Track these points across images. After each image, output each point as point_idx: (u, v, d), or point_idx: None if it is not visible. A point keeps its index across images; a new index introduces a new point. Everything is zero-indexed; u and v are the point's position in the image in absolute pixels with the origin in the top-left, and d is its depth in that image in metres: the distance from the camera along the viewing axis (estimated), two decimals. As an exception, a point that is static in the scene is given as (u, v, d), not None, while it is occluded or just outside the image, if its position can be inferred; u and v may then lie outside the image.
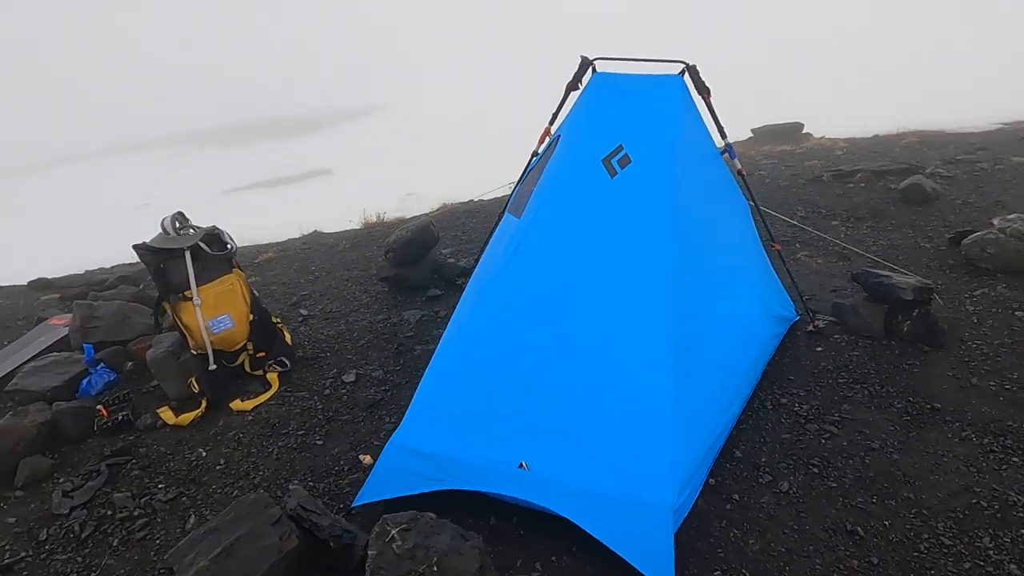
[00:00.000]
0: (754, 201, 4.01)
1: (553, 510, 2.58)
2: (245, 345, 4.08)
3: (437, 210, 9.31)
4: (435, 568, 2.23)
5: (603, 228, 3.10)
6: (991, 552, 2.48)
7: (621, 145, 3.20)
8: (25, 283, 7.26)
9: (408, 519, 2.39)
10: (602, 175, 3.18)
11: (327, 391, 3.92)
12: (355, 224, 8.99)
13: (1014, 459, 2.93)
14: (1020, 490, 2.74)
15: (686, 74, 3.44)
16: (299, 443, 3.44)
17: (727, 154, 3.82)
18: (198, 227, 4.01)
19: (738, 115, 3.79)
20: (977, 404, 3.31)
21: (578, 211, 3.16)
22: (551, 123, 3.93)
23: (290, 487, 3.04)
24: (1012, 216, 4.78)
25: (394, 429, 3.36)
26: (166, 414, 3.75)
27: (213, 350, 3.91)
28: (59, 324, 5.09)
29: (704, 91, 3.53)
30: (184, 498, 3.12)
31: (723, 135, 3.82)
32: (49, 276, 7.41)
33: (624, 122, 3.29)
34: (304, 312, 5.16)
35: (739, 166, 3.91)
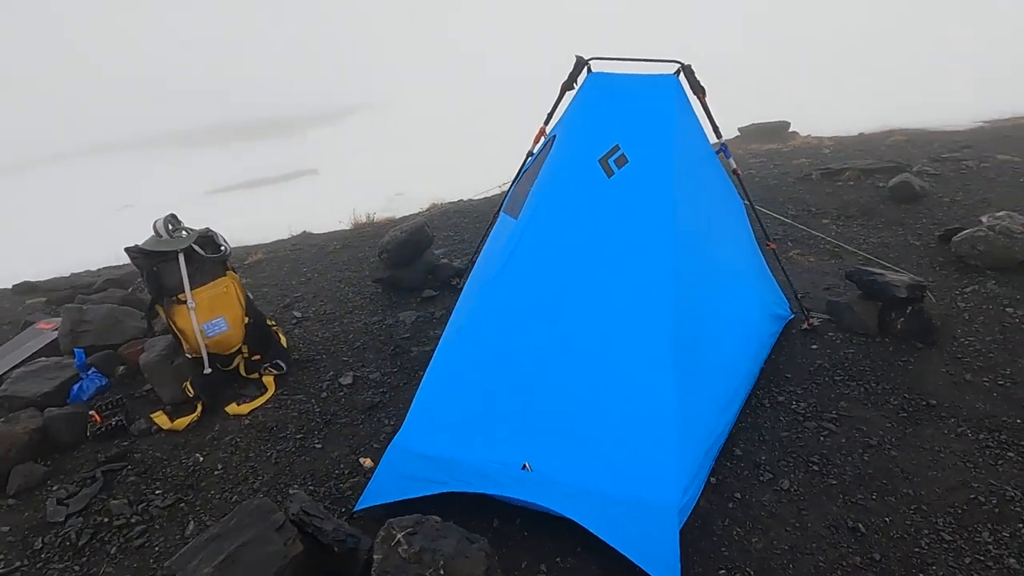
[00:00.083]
0: (749, 200, 4.03)
1: (558, 511, 2.58)
2: (240, 348, 4.03)
3: (427, 210, 9.28)
4: (442, 572, 2.22)
5: (601, 228, 3.10)
6: (990, 547, 2.51)
7: (618, 145, 3.21)
8: (9, 287, 7.14)
9: (413, 522, 2.37)
10: (599, 175, 3.18)
11: (324, 394, 3.89)
12: (345, 225, 8.93)
13: (1009, 454, 2.96)
14: (1016, 485, 2.78)
15: (681, 74, 3.45)
16: (298, 447, 3.41)
17: (722, 153, 3.83)
18: (191, 229, 3.97)
19: (726, 114, 3.79)
20: (971, 400, 3.35)
21: (576, 211, 3.16)
22: (546, 123, 3.94)
23: (291, 492, 3.04)
24: (1000, 213, 4.84)
25: (393, 431, 3.37)
26: (161, 419, 3.71)
27: (208, 354, 3.87)
28: (47, 328, 5.02)
29: (699, 91, 3.55)
30: (182, 504, 3.09)
31: (718, 134, 3.84)
32: (33, 279, 7.31)
33: (620, 122, 3.30)
34: (298, 314, 5.12)
35: (734, 165, 3.93)
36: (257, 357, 4.10)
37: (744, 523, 2.70)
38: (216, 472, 3.28)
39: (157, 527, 2.96)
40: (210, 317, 3.84)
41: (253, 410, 3.77)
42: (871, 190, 6.69)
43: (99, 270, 8.31)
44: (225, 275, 3.95)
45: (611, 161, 3.19)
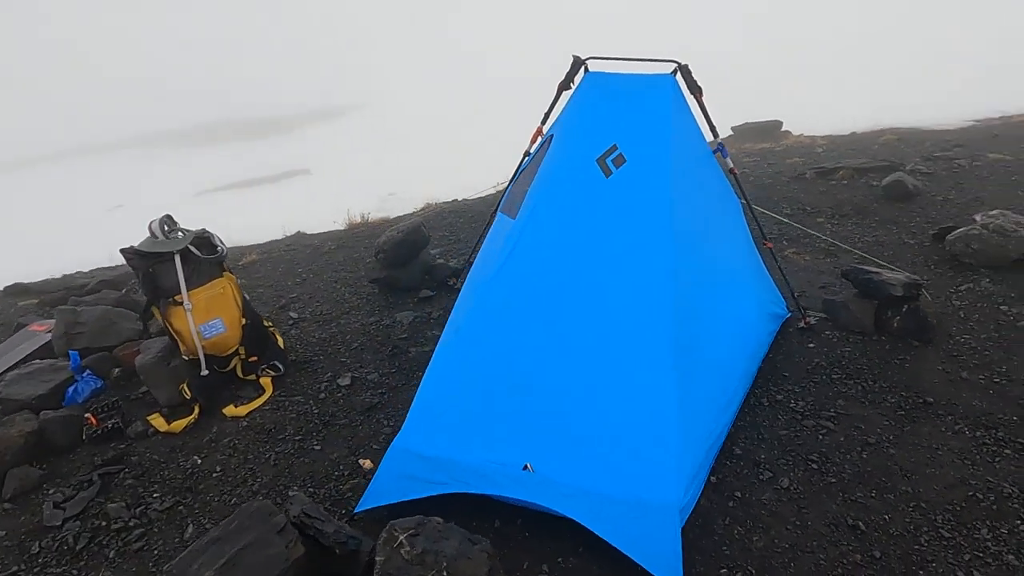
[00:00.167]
0: (746, 199, 4.05)
1: (559, 512, 2.58)
2: (237, 350, 4.01)
3: (421, 210, 9.28)
4: (445, 573, 2.21)
5: (600, 228, 3.11)
6: (989, 543, 2.52)
7: (615, 145, 3.21)
8: (0, 288, 7.08)
9: (416, 524, 2.37)
10: (597, 175, 3.19)
11: (322, 395, 3.87)
12: (339, 225, 8.91)
13: (1006, 451, 2.98)
14: (1014, 482, 2.80)
15: (678, 73, 3.46)
16: (296, 449, 3.40)
17: (719, 153, 3.84)
18: (187, 230, 3.94)
19: (720, 114, 3.80)
20: (968, 398, 3.37)
21: (574, 211, 3.17)
22: (543, 123, 3.94)
23: (290, 493, 3.01)
24: (994, 212, 4.88)
25: (392, 432, 3.36)
26: (157, 421, 3.68)
27: (205, 355, 3.85)
28: (40, 330, 4.98)
29: (696, 90, 3.55)
30: (181, 507, 3.07)
31: (715, 134, 3.85)
32: (25, 281, 7.25)
33: (618, 122, 3.30)
34: (294, 315, 5.10)
35: (731, 165, 3.94)
36: (254, 358, 4.08)
37: (745, 522, 2.71)
38: (214, 474, 3.27)
39: (156, 530, 2.94)
40: (207, 318, 3.82)
41: (251, 412, 3.75)
42: (865, 189, 6.72)
43: (91, 271, 8.24)
44: (222, 276, 3.93)
45: (609, 161, 3.19)
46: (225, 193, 29.47)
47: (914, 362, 3.71)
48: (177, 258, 3.75)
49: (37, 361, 4.38)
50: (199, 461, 3.38)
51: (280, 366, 4.08)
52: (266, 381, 3.97)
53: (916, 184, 6.39)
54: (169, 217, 3.92)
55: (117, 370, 4.32)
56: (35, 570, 2.77)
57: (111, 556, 2.80)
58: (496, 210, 3.86)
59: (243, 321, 3.98)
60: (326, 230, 8.88)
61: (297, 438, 3.48)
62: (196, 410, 3.72)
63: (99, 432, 3.61)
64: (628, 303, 2.95)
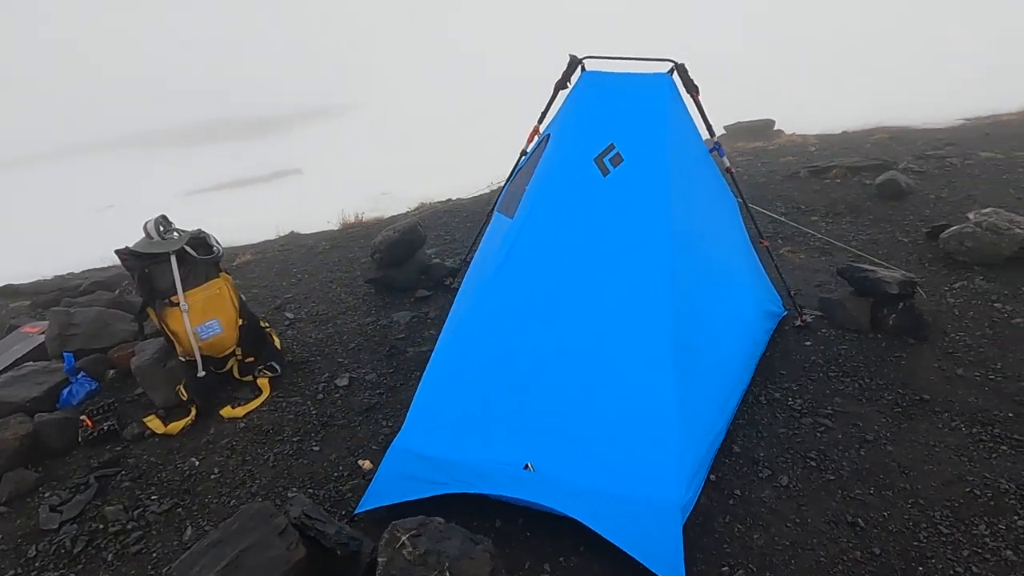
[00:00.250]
0: (742, 198, 4.06)
1: (561, 511, 2.58)
2: (234, 351, 3.99)
3: (416, 209, 9.26)
4: (448, 573, 2.21)
5: (598, 227, 3.11)
6: (987, 539, 2.54)
7: (613, 144, 3.22)
8: (-9, 290, 7.02)
9: (418, 524, 2.36)
10: (595, 174, 3.19)
11: (320, 396, 3.86)
12: (333, 225, 8.90)
13: (1003, 447, 3.01)
14: (1011, 478, 2.82)
15: (675, 72, 3.47)
16: (295, 450, 3.38)
17: (716, 152, 3.85)
18: (183, 230, 3.92)
19: (720, 113, 3.81)
20: (964, 394, 3.40)
21: (572, 210, 3.17)
22: (540, 122, 3.94)
23: (290, 495, 3.01)
24: (987, 210, 4.91)
25: (391, 433, 3.36)
26: (154, 423, 3.66)
27: (201, 356, 3.82)
28: (33, 332, 4.94)
29: (692, 89, 3.56)
30: (179, 509, 3.05)
31: (711, 133, 3.86)
32: (16, 282, 7.19)
33: (615, 121, 3.31)
34: (290, 316, 5.08)
35: (727, 163, 3.96)
36: (251, 359, 4.06)
37: (745, 519, 2.72)
38: (212, 476, 3.25)
39: (154, 533, 2.92)
40: (203, 319, 3.80)
41: (248, 413, 3.73)
42: (858, 187, 6.75)
43: (83, 272, 8.18)
44: (218, 276, 3.91)
45: (606, 160, 3.20)
46: (216, 193, 29.31)
47: (910, 359, 3.73)
48: (173, 259, 3.72)
49: (30, 363, 4.35)
50: (197, 463, 3.36)
51: (277, 367, 4.06)
52: (263, 382, 3.95)
53: (909, 182, 6.42)
54: (164, 218, 3.89)
55: (112, 372, 4.29)
56: (32, 574, 2.75)
57: (109, 559, 2.79)
58: (493, 209, 3.86)
59: (240, 322, 3.95)
60: (320, 230, 8.85)
61: (295, 439, 3.47)
62: (193, 412, 3.70)
63: (95, 434, 3.58)
64: (626, 302, 2.95)
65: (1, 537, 2.96)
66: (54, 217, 26.45)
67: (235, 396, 3.92)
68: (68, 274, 8.17)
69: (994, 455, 2.97)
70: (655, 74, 3.45)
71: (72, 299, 5.74)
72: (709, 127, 3.82)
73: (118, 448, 3.54)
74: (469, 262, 5.04)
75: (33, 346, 4.66)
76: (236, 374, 4.05)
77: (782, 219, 5.67)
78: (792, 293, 4.30)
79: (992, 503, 2.71)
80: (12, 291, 6.89)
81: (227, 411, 3.73)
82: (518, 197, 3.36)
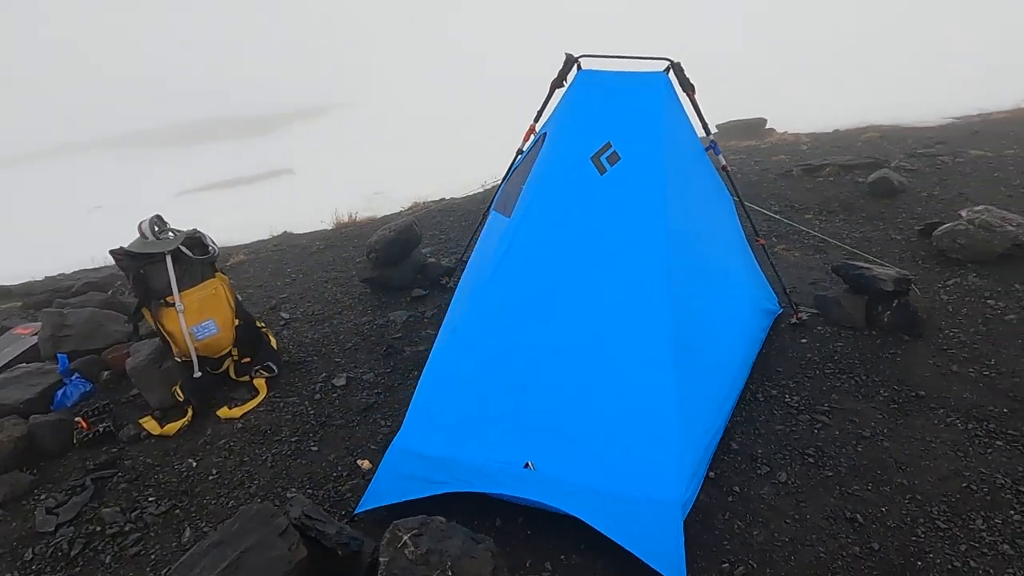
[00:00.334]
0: (738, 196, 4.07)
1: (562, 509, 2.58)
2: (230, 351, 3.97)
3: (409, 209, 9.26)
4: (450, 572, 2.20)
5: (596, 226, 3.11)
6: (984, 534, 2.56)
7: (610, 142, 3.22)
8: (-19, 292, 6.97)
9: (419, 523, 2.35)
10: (592, 173, 3.19)
11: (318, 396, 3.84)
12: (327, 224, 8.88)
13: (998, 443, 3.03)
14: (1006, 473, 2.84)
15: (671, 71, 3.47)
16: (293, 450, 3.37)
17: (712, 150, 3.87)
18: (178, 230, 3.89)
19: (719, 112, 3.82)
20: (959, 391, 3.42)
21: (569, 209, 3.17)
22: (536, 120, 3.93)
23: (288, 495, 3.00)
24: (979, 208, 4.95)
25: (390, 432, 3.36)
26: (150, 424, 3.64)
27: (197, 357, 3.80)
28: (25, 333, 4.90)
29: (688, 88, 3.57)
30: (177, 510, 3.03)
31: (707, 131, 3.87)
32: (6, 283, 7.14)
33: (611, 119, 3.31)
34: (285, 315, 5.06)
35: (723, 162, 3.97)
36: (247, 360, 4.04)
37: (744, 516, 2.73)
38: (210, 477, 3.23)
39: (152, 535, 2.90)
40: (199, 320, 3.78)
41: (245, 413, 3.72)
42: (851, 185, 6.79)
43: (74, 273, 8.14)
44: (214, 276, 3.89)
45: (603, 158, 3.20)
46: (207, 193, 29.21)
47: (905, 356, 3.76)
48: (168, 259, 3.70)
49: (23, 365, 4.32)
50: (194, 464, 3.34)
51: (274, 367, 4.05)
52: (260, 382, 3.94)
53: (901, 181, 6.47)
54: (159, 217, 3.87)
55: (106, 373, 4.27)
56: (29, 577, 2.73)
57: (107, 561, 2.77)
58: (489, 208, 3.86)
59: (236, 322, 3.94)
60: (313, 230, 8.83)
61: (293, 439, 3.46)
62: (189, 413, 3.68)
63: (90, 436, 3.56)
64: (625, 300, 2.96)
65: (-3, 540, 2.94)
66: (42, 218, 26.26)
67: (232, 397, 3.90)
68: (59, 275, 8.13)
69: (989, 450, 2.99)
70: (651, 73, 3.45)
71: (64, 300, 5.71)
72: (705, 125, 3.83)
73: (114, 450, 3.51)
74: (465, 261, 5.04)
75: (25, 347, 4.63)
76: (232, 374, 4.03)
77: (777, 216, 5.69)
78: (788, 291, 4.32)
79: (988, 498, 2.73)
80: (3, 292, 6.86)
81: (224, 412, 3.71)
82: (515, 196, 3.35)
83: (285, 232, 9.05)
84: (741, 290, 3.85)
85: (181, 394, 3.74)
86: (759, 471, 2.97)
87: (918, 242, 5.28)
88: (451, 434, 2.90)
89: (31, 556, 2.82)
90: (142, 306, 3.82)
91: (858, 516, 2.68)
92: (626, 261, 3.02)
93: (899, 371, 3.63)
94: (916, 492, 2.79)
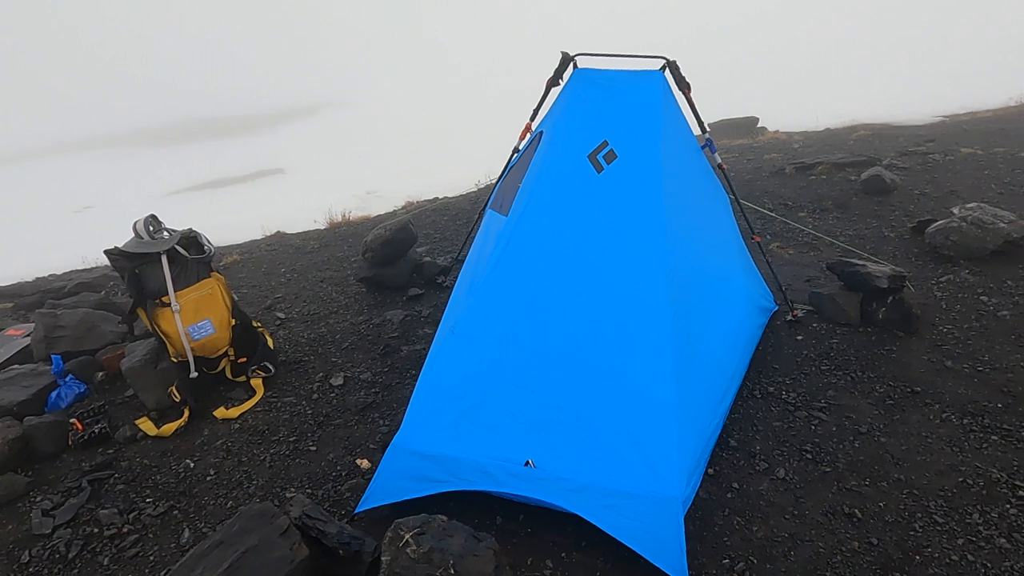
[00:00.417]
0: (734, 194, 4.09)
1: (562, 507, 2.58)
2: (226, 351, 3.95)
3: (403, 208, 9.23)
4: (452, 571, 2.21)
5: (593, 223, 3.12)
6: (981, 528, 2.59)
7: (606, 141, 3.23)
8: (-29, 293, 6.87)
9: (421, 522, 2.36)
10: (589, 171, 3.20)
11: (315, 395, 3.83)
12: (320, 224, 8.85)
13: (993, 437, 3.06)
14: (1002, 467, 2.87)
15: (667, 69, 3.48)
16: (292, 450, 3.36)
17: (707, 148, 3.88)
18: (173, 230, 3.87)
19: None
20: (953, 386, 3.45)
21: (567, 207, 3.17)
22: (532, 119, 3.94)
23: (287, 495, 3.00)
24: (971, 205, 4.99)
25: (388, 431, 3.36)
26: (146, 425, 3.61)
27: (194, 357, 3.78)
28: (17, 335, 4.85)
29: (684, 86, 3.58)
30: (175, 511, 3.01)
31: (703, 129, 3.88)
32: (-3, 285, 7.07)
33: (608, 118, 3.31)
34: (281, 315, 5.03)
35: (719, 160, 3.98)
36: (243, 360, 4.01)
37: (744, 512, 2.74)
38: (208, 478, 3.21)
39: (151, 536, 2.88)
40: (196, 320, 3.75)
41: (242, 414, 3.70)
42: (843, 183, 6.83)
43: (65, 274, 8.05)
44: (210, 276, 3.87)
45: (600, 157, 3.20)
46: (197, 193, 28.98)
47: (900, 352, 3.79)
48: (164, 258, 3.68)
49: (16, 366, 4.27)
50: (192, 465, 3.32)
51: (271, 367, 4.03)
52: (257, 382, 3.92)
53: (893, 178, 6.51)
54: (154, 217, 3.84)
55: (101, 374, 4.23)
56: (26, 580, 2.71)
57: (105, 563, 2.74)
58: (485, 207, 3.85)
59: (232, 322, 3.91)
60: (307, 229, 8.79)
61: (292, 439, 3.44)
62: (186, 413, 3.66)
63: (86, 437, 3.53)
64: (623, 298, 2.96)
65: (-7, 543, 2.91)
66: (30, 218, 25.98)
67: (228, 397, 3.88)
68: (50, 275, 8.04)
69: (985, 445, 3.02)
70: (647, 71, 3.46)
71: (56, 301, 5.65)
72: (701, 123, 3.85)
73: (110, 451, 3.49)
74: (461, 260, 5.04)
75: (18, 349, 4.58)
76: (229, 375, 4.01)
77: (772, 214, 5.72)
78: (783, 288, 4.35)
79: (984, 492, 2.75)
80: (-7, 293, 6.75)
81: (221, 412, 3.69)
82: (512, 194, 3.35)
83: (278, 232, 9.00)
84: (738, 287, 3.86)
85: (177, 395, 3.71)
86: (758, 467, 2.99)
87: (911, 239, 5.31)
88: (451, 433, 2.89)
89: (28, 558, 2.80)
90: (137, 306, 3.79)
91: (856, 511, 2.70)
92: (624, 259, 3.03)
93: (894, 367, 3.66)
94: (913, 487, 2.81)
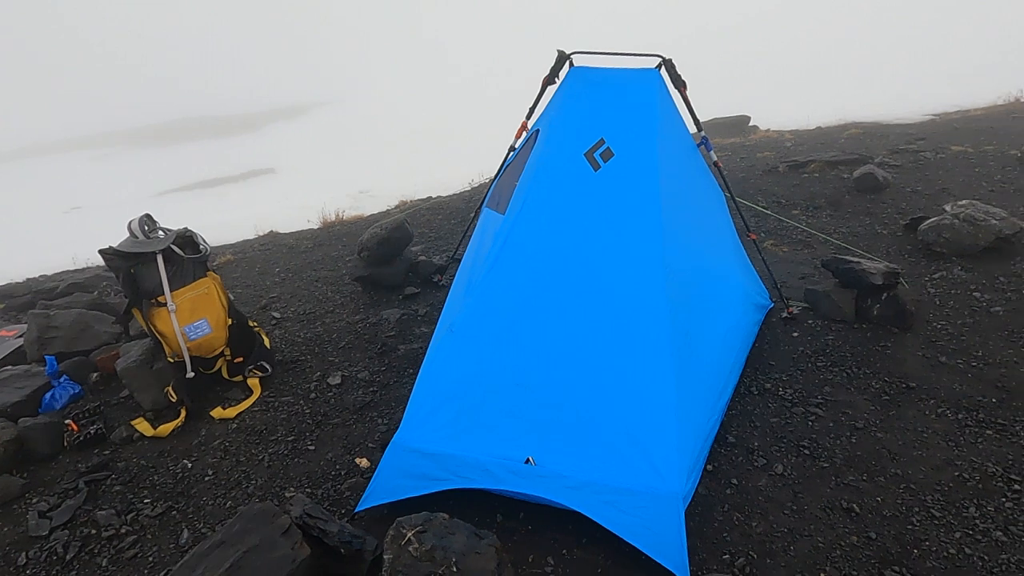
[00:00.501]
0: (729, 192, 4.11)
1: (563, 504, 2.59)
2: (222, 351, 3.93)
3: (396, 207, 9.22)
4: (454, 569, 2.21)
5: (591, 221, 3.13)
6: (977, 521, 2.61)
7: (603, 139, 3.23)
8: (-39, 294, 6.81)
9: (423, 520, 2.36)
10: (586, 169, 3.20)
11: (313, 395, 3.82)
12: (313, 224, 8.82)
13: (988, 432, 3.09)
14: (997, 461, 2.90)
15: (663, 68, 3.49)
16: (290, 449, 3.35)
17: (703, 146, 3.90)
18: (168, 229, 3.85)
19: (713, 109, 3.86)
20: (948, 381, 3.48)
21: (564, 205, 3.18)
22: (528, 117, 3.94)
23: (287, 495, 2.99)
24: (963, 202, 5.03)
25: (387, 430, 3.35)
26: (142, 426, 3.59)
27: (190, 357, 3.76)
28: (9, 336, 4.82)
29: (680, 84, 3.59)
30: (174, 512, 3.00)
31: (699, 127, 3.90)
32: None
33: (605, 116, 3.32)
34: (276, 315, 5.01)
35: (715, 158, 4.00)
36: (240, 359, 4.00)
37: (743, 508, 2.76)
38: (207, 478, 3.20)
39: (149, 536, 2.87)
40: (192, 319, 3.73)
41: (240, 413, 3.69)
42: (836, 181, 6.87)
43: (56, 274, 7.99)
44: (206, 276, 3.85)
45: (597, 155, 3.21)
46: (188, 193, 28.81)
47: (895, 348, 3.82)
48: (159, 258, 3.66)
49: (9, 367, 4.23)
50: (189, 465, 3.30)
51: (267, 366, 4.01)
52: (253, 382, 3.90)
53: (885, 176, 6.55)
54: (149, 216, 3.82)
55: (95, 375, 4.20)
56: (24, 582, 2.69)
57: (104, 564, 2.73)
58: (481, 205, 3.86)
59: (229, 321, 3.90)
60: (300, 229, 8.76)
61: (290, 439, 3.43)
62: (182, 413, 3.64)
63: (81, 438, 3.50)
64: (622, 295, 2.97)
65: (-11, 545, 2.89)
66: (17, 219, 25.74)
67: (225, 397, 3.86)
68: (40, 276, 7.97)
69: (980, 439, 3.05)
70: (643, 69, 3.47)
71: (48, 301, 5.61)
72: (696, 122, 3.86)
73: (106, 452, 3.47)
74: (457, 259, 5.04)
75: (10, 350, 4.55)
76: (225, 374, 4.00)
77: (767, 212, 5.75)
78: (778, 285, 4.37)
79: (981, 486, 2.78)
80: (-17, 294, 6.69)
81: (218, 412, 3.67)
82: (509, 193, 3.35)
83: (271, 231, 8.97)
84: (735, 285, 3.88)
85: (174, 395, 3.69)
86: (756, 463, 3.01)
87: (904, 236, 5.35)
88: (451, 431, 2.89)
89: (25, 560, 2.78)
90: (132, 306, 3.77)
91: (854, 506, 2.72)
92: (622, 256, 3.03)
93: (889, 363, 3.68)
94: (910, 481, 2.84)
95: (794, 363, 3.76)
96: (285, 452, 3.33)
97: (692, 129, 3.82)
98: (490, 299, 3.09)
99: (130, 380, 3.79)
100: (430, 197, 9.52)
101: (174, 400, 3.69)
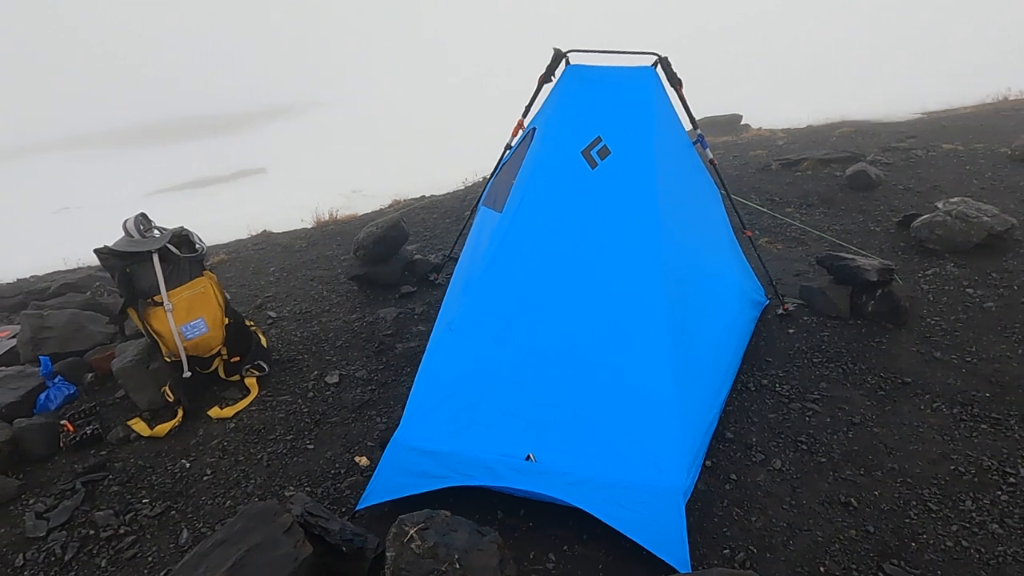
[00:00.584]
0: (725, 189, 4.13)
1: (564, 500, 2.60)
2: (219, 350, 3.91)
3: (390, 206, 9.20)
4: (457, 565, 2.21)
5: (588, 219, 3.14)
6: (974, 514, 2.64)
7: (600, 137, 3.24)
8: (-48, 295, 6.73)
9: (425, 517, 2.36)
10: (583, 167, 3.21)
11: (311, 394, 3.81)
12: (307, 223, 8.79)
13: (983, 426, 3.12)
14: (992, 455, 2.93)
15: (658, 66, 3.50)
16: (289, 448, 3.34)
17: (699, 144, 3.91)
18: (164, 228, 3.83)
19: (711, 108, 3.88)
20: (943, 377, 3.52)
21: (562, 203, 3.19)
22: (524, 115, 3.94)
23: (287, 494, 2.98)
24: (955, 199, 5.08)
25: (386, 429, 3.35)
26: (139, 426, 3.57)
27: (187, 356, 3.74)
28: (3, 336, 4.78)
29: (676, 82, 3.61)
30: (173, 512, 2.98)
31: (695, 125, 3.91)
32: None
33: (601, 114, 3.33)
34: (272, 314, 5.00)
35: (710, 156, 4.02)
36: (237, 359, 3.98)
37: (742, 503, 2.77)
38: (205, 477, 3.19)
39: (148, 537, 2.85)
40: (188, 319, 3.72)
41: (237, 413, 3.68)
42: (829, 179, 6.92)
43: (47, 274, 7.92)
44: (202, 275, 3.83)
45: (594, 153, 3.22)
46: (178, 193, 28.65)
47: (890, 344, 3.85)
48: (155, 257, 3.64)
49: (2, 368, 4.20)
50: (187, 465, 3.29)
51: (264, 366, 4.00)
52: (251, 381, 3.89)
53: (878, 174, 6.60)
54: (144, 216, 3.80)
55: (90, 375, 4.17)
56: (22, 583, 2.67)
57: (103, 565, 2.71)
58: (477, 204, 3.86)
59: (226, 321, 3.88)
60: (294, 228, 8.73)
61: (288, 438, 3.42)
62: (180, 413, 3.62)
63: (77, 439, 3.48)
64: (621, 293, 2.98)
65: (-15, 546, 2.87)
66: (8, 220, 25.51)
67: (222, 396, 3.85)
68: (31, 277, 7.91)
69: (975, 434, 3.08)
70: (639, 67, 3.48)
71: (41, 302, 5.56)
72: (692, 120, 3.88)
73: (103, 452, 3.45)
74: (453, 257, 5.04)
75: (4, 351, 4.52)
76: (222, 374, 3.98)
77: (763, 209, 5.78)
78: (773, 282, 4.39)
79: (976, 480, 2.81)
80: (-26, 295, 6.62)
81: (215, 411, 3.66)
82: (505, 191, 3.36)
83: (264, 231, 8.93)
84: (731, 281, 3.90)
85: (171, 394, 3.68)
86: (754, 459, 3.03)
87: (897, 233, 5.39)
88: (450, 428, 2.89)
89: (23, 562, 2.76)
90: (128, 306, 3.74)
91: (852, 500, 2.74)
92: (620, 254, 3.05)
93: (885, 359, 3.71)
94: (907, 476, 2.86)
95: (790, 359, 3.78)
96: (284, 451, 3.32)
97: (688, 127, 3.84)
98: (488, 297, 3.10)
99: (126, 380, 3.77)
100: (424, 196, 9.51)
101: (171, 400, 3.68)
